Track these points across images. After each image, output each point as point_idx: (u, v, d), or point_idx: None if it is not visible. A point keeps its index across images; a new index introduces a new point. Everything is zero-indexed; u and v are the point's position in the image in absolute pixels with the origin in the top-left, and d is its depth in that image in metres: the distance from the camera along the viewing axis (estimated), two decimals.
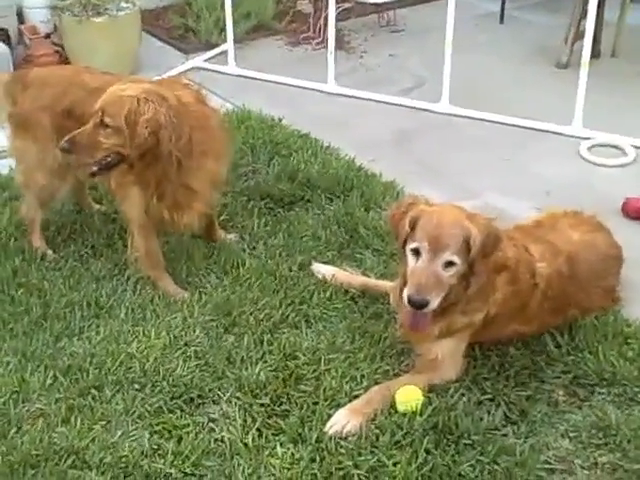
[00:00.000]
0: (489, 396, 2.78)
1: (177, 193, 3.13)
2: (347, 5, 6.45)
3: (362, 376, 2.86)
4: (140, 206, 3.20)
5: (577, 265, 3.00)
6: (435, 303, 2.56)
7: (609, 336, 2.99)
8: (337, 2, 6.16)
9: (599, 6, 5.31)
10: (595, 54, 5.66)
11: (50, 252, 3.61)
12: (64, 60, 5.55)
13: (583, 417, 2.71)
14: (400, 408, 2.69)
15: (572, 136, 4.69)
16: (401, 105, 5.18)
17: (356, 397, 2.76)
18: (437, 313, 2.67)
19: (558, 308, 2.96)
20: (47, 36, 5.74)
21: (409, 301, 2.55)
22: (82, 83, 3.30)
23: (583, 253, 3.05)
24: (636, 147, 4.54)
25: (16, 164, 3.62)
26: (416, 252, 2.58)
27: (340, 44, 6.06)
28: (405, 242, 2.63)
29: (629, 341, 2.98)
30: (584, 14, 4.99)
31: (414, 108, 5.13)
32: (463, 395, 2.76)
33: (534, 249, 2.89)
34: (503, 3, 6.59)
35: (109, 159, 3.02)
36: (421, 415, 2.65)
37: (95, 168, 3.05)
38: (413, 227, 2.60)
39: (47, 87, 3.37)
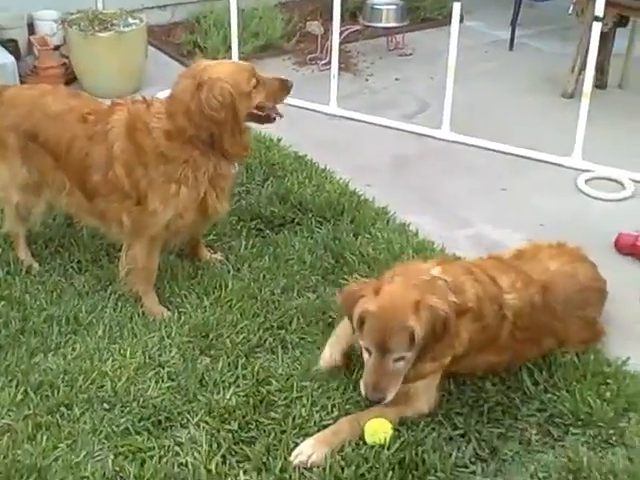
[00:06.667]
0: (460, 432, 2.73)
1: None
2: (357, 27, 6.47)
3: (333, 405, 2.81)
4: (175, 209, 3.14)
5: (552, 295, 2.96)
6: (392, 395, 2.64)
7: (588, 375, 2.93)
8: (347, 24, 6.23)
9: (607, 37, 5.32)
10: (602, 85, 5.64)
11: (36, 265, 3.60)
12: (70, 73, 5.58)
13: (555, 457, 2.65)
14: (369, 440, 2.65)
15: (571, 168, 4.63)
16: (402, 130, 5.15)
17: (325, 427, 2.71)
18: None
19: (532, 338, 2.92)
20: (56, 48, 5.77)
21: (366, 398, 2.67)
22: (44, 106, 3.27)
23: (559, 283, 3.01)
24: (635, 181, 4.47)
25: None
26: (367, 350, 2.65)
27: (347, 66, 6.08)
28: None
29: (608, 381, 2.91)
30: None
31: (415, 133, 5.10)
32: (433, 430, 2.71)
33: (503, 280, 2.86)
34: (513, 30, 6.55)
35: None
36: (388, 449, 2.60)
37: None
38: (361, 325, 2.63)
39: (14, 107, 3.34)
